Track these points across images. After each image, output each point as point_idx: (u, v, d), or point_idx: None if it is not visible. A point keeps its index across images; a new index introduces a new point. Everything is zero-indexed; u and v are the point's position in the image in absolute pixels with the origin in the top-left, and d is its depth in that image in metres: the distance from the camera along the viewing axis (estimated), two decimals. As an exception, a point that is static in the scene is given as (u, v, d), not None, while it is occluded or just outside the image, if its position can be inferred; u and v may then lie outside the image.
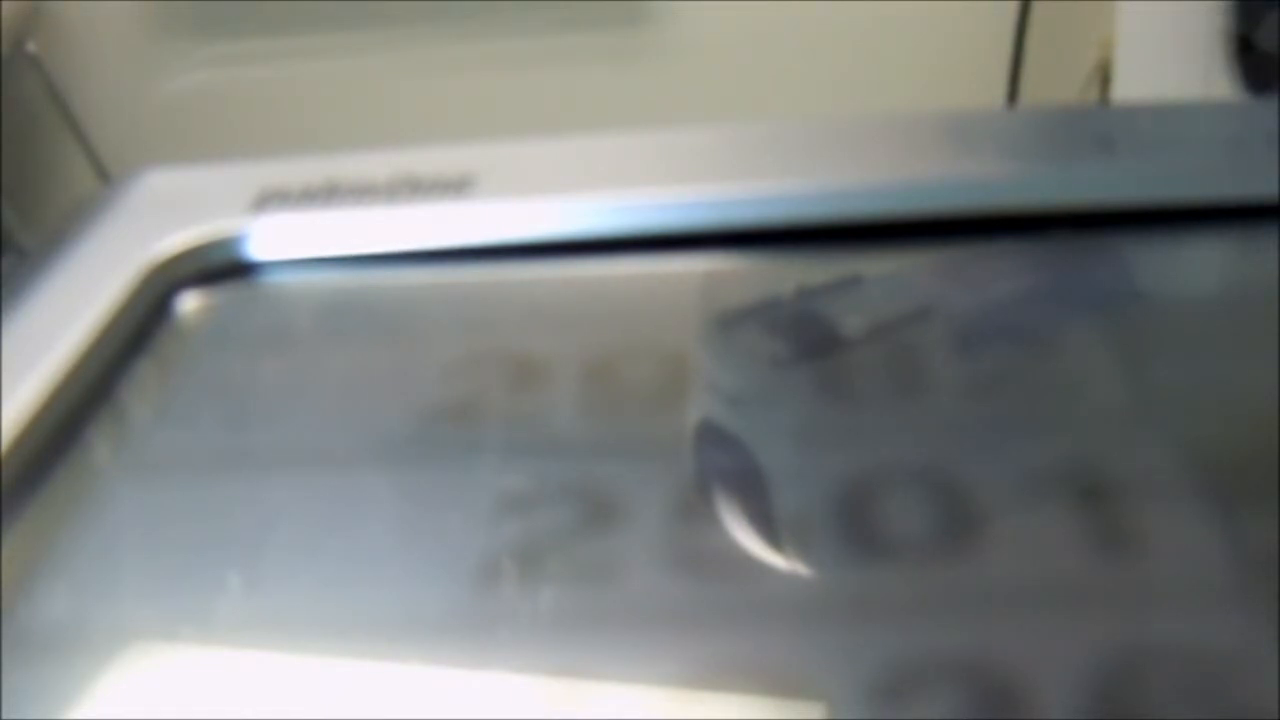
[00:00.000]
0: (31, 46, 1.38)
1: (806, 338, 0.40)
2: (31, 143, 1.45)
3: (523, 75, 1.43)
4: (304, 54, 1.43)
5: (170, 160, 0.51)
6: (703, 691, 0.28)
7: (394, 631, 0.31)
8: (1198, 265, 0.44)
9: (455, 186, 0.47)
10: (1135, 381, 0.38)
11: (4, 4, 1.28)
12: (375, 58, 1.43)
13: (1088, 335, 0.40)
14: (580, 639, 0.30)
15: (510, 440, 0.38)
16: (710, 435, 0.37)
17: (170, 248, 0.45)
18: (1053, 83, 1.37)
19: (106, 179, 1.44)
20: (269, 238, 0.46)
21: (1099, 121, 0.50)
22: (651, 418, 0.38)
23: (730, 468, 0.35)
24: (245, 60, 1.44)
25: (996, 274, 0.43)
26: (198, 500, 0.37)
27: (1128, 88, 1.21)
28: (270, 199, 0.47)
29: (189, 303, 0.45)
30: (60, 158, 1.46)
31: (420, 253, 0.46)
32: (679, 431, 0.37)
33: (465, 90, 1.44)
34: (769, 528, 0.33)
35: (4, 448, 0.36)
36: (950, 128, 0.48)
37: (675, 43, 1.41)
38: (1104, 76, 1.34)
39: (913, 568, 0.31)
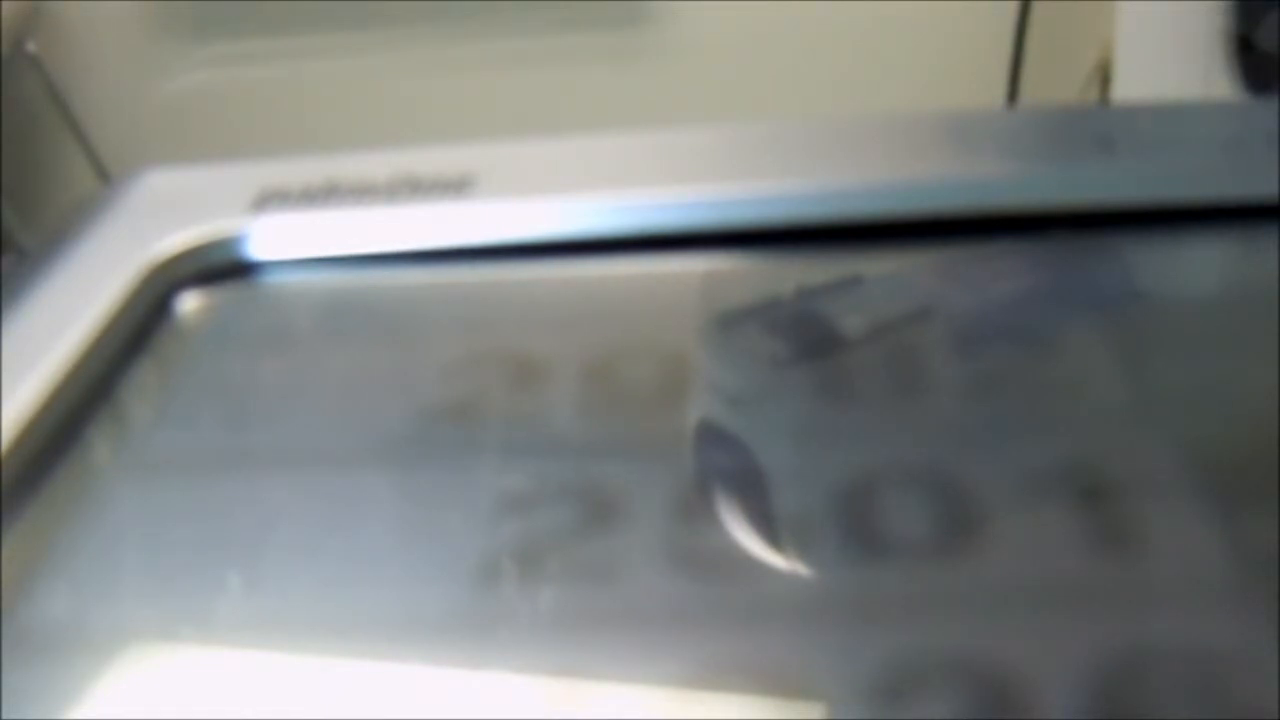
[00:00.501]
0: (31, 46, 1.38)
1: (806, 338, 0.40)
2: (31, 143, 1.45)
3: (523, 75, 1.43)
4: (304, 54, 1.43)
5: (170, 160, 0.51)
6: (703, 691, 0.28)
7: (394, 631, 0.31)
8: (1198, 265, 0.44)
9: (455, 186, 0.47)
10: (1135, 381, 0.38)
11: (4, 4, 1.28)
12: (375, 58, 1.43)
13: (1088, 335, 0.40)
14: (580, 639, 0.30)
15: (510, 440, 0.38)
16: (710, 435, 0.37)
17: (170, 248, 0.45)
18: (1053, 83, 1.37)
19: (106, 179, 1.43)
20: (269, 238, 0.46)
21: (1099, 121, 0.50)
22: (651, 418, 0.38)
23: (730, 468, 0.35)
24: (245, 60, 1.44)
25: (996, 274, 0.43)
26: (198, 500, 0.37)
27: (1128, 88, 1.21)
28: (270, 199, 0.47)
29: (189, 303, 0.45)
30: (60, 158, 1.46)
31: (420, 253, 0.46)
32: (679, 431, 0.37)
33: (465, 90, 1.44)
34: (769, 528, 0.33)
35: (4, 448, 0.36)
36: (950, 128, 0.48)
37: (675, 43, 1.41)
38: (1104, 76, 1.34)
39: (913, 568, 0.31)
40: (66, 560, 0.34)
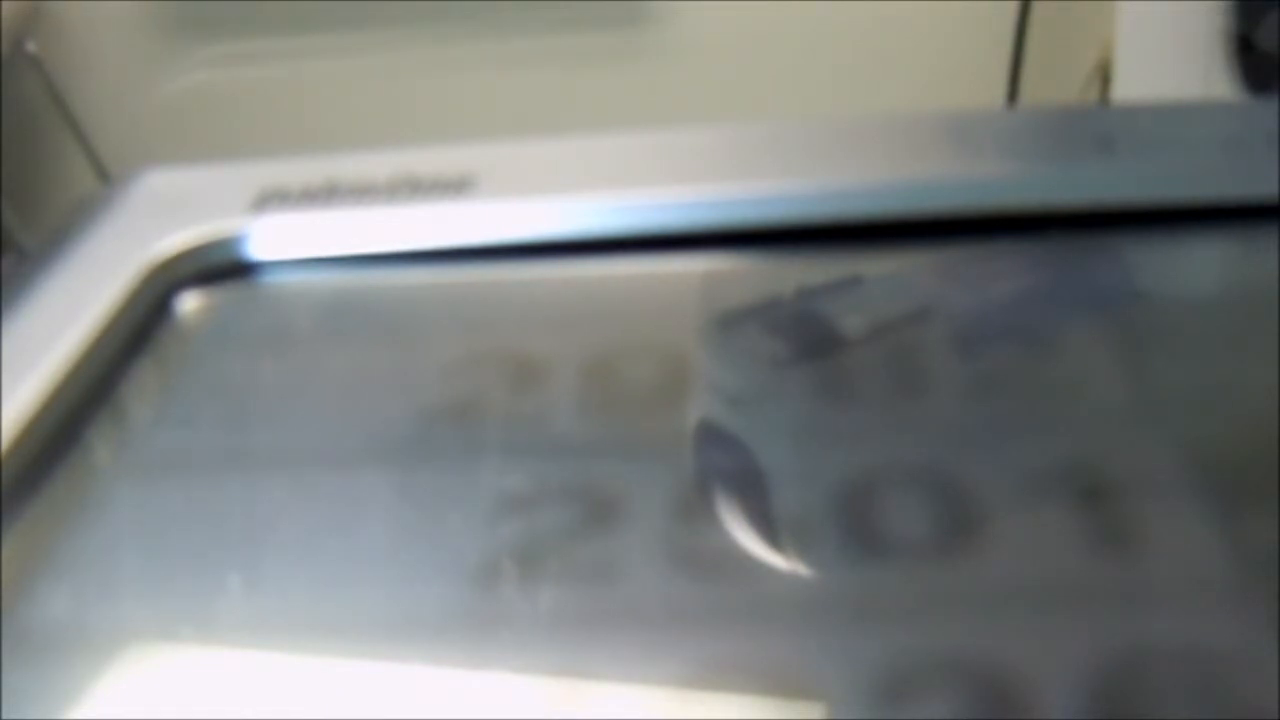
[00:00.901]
0: (31, 46, 1.38)
1: (806, 338, 0.40)
2: (31, 143, 1.45)
3: (523, 75, 1.43)
4: (304, 54, 1.43)
5: (170, 160, 0.51)
6: (703, 691, 0.28)
7: (394, 631, 0.31)
8: (1198, 265, 0.44)
9: (455, 186, 0.47)
10: (1135, 381, 0.38)
11: (4, 4, 1.28)
12: (375, 58, 1.43)
13: (1088, 335, 0.40)
14: (580, 639, 0.30)
15: (510, 440, 0.38)
16: (710, 435, 0.37)
17: (170, 248, 0.45)
18: (1053, 83, 1.37)
19: (106, 179, 1.43)
20: (269, 238, 0.46)
21: (1099, 121, 0.50)
22: (651, 418, 0.38)
23: (730, 468, 0.35)
24: (245, 60, 1.44)
25: (996, 274, 0.43)
26: (198, 500, 0.37)
27: (1128, 88, 1.21)
28: (270, 199, 0.47)
29: (189, 303, 0.45)
30: (60, 158, 1.46)
31: (420, 253, 0.46)
32: (679, 431, 0.37)
33: (465, 90, 1.44)
34: (769, 528, 0.33)
35: (4, 448, 0.36)
36: (950, 128, 0.48)
37: (675, 43, 1.41)
38: (1104, 76, 1.34)
39: (913, 568, 0.31)
40: (66, 560, 0.34)
